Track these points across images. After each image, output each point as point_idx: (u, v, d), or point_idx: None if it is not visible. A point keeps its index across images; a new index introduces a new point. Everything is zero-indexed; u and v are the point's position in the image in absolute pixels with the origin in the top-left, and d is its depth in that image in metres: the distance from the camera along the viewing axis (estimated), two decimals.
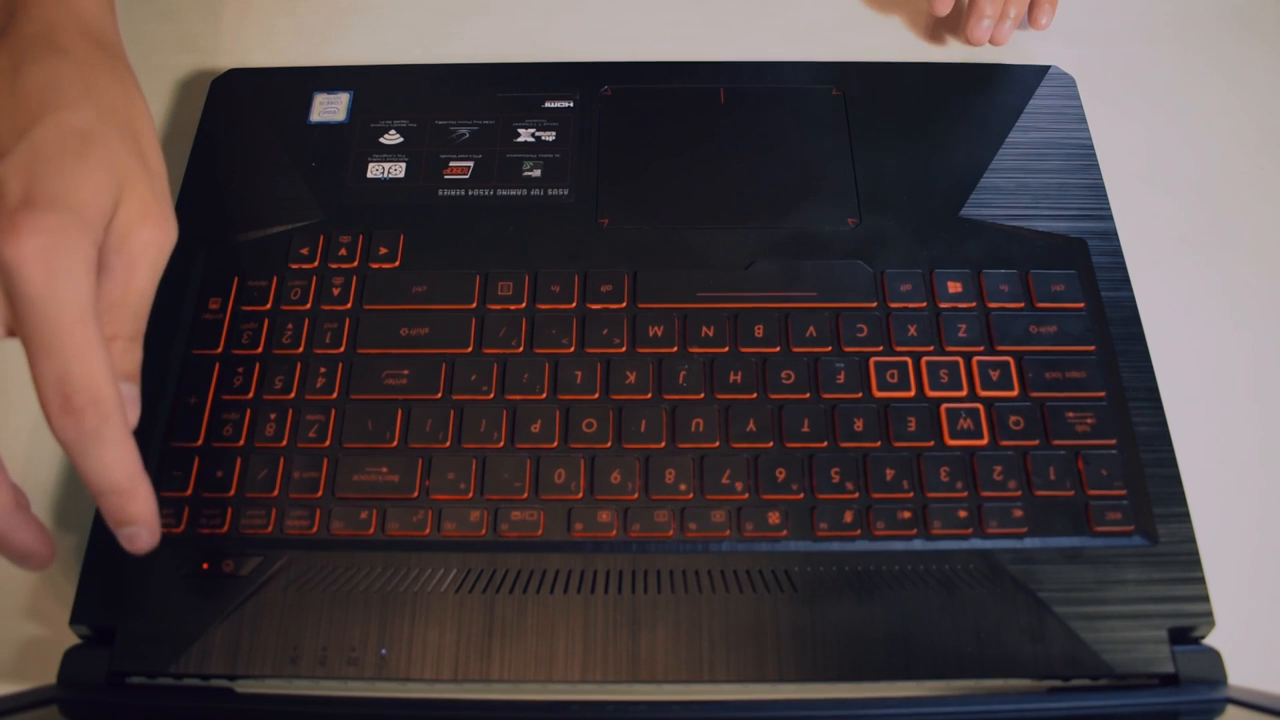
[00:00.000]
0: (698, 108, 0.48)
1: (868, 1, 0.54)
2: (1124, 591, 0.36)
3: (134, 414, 0.32)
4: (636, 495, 0.38)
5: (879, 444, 0.39)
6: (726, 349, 0.41)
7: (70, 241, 0.29)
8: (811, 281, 0.43)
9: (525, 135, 0.47)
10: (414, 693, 0.37)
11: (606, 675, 0.35)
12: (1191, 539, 0.37)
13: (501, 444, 0.39)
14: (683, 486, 0.38)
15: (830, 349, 0.41)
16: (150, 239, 0.32)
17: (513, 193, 0.45)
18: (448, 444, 0.39)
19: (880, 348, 0.41)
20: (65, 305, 0.29)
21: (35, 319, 0.29)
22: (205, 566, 0.37)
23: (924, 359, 0.41)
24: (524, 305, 0.42)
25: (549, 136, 0.47)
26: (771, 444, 0.39)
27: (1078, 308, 0.42)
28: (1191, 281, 0.46)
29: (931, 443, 0.39)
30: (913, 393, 0.40)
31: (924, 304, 0.42)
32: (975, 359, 0.41)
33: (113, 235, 0.31)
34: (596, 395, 0.40)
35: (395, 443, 0.39)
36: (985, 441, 0.39)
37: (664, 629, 0.36)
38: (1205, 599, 0.36)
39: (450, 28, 0.54)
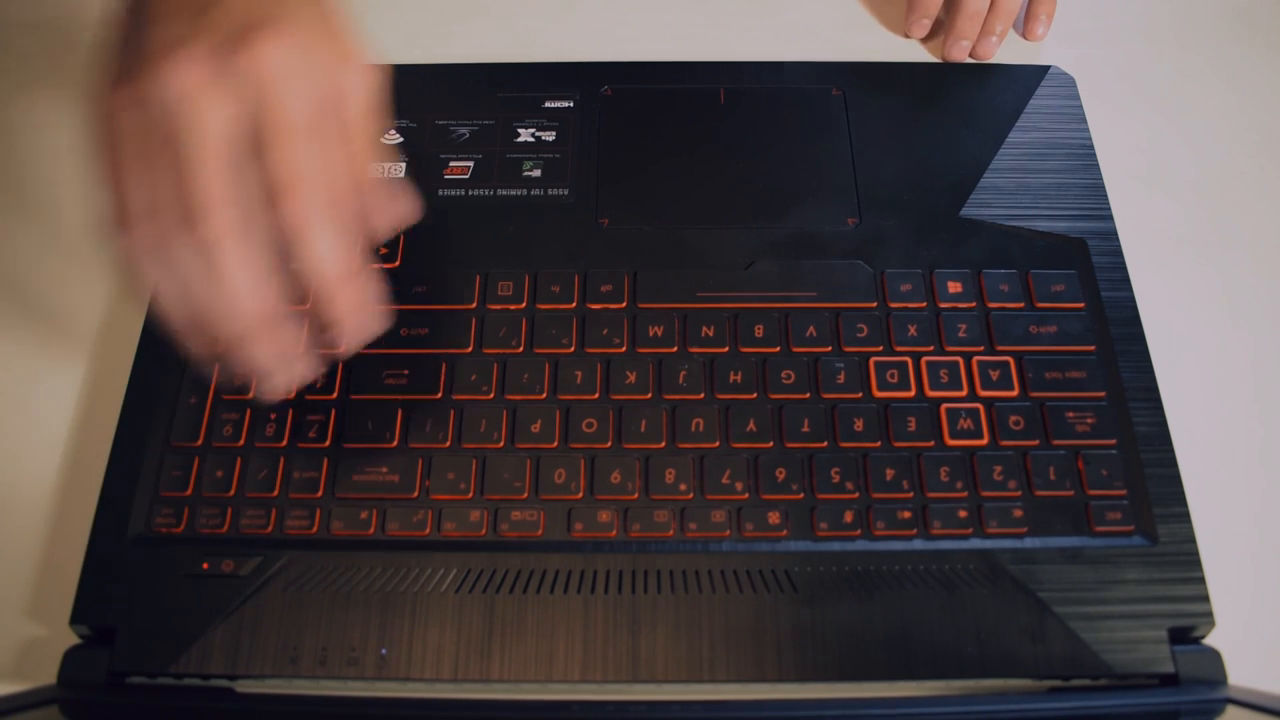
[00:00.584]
0: (698, 108, 0.48)
1: (867, 1, 0.54)
2: (1124, 591, 0.36)
3: (396, 213, 0.34)
4: (636, 495, 0.38)
5: (879, 444, 0.39)
6: (726, 349, 0.41)
7: (301, 50, 0.30)
8: (811, 281, 0.43)
9: (525, 135, 0.47)
10: (414, 693, 0.37)
11: (606, 675, 0.36)
12: (1191, 539, 0.37)
13: (501, 444, 0.39)
14: (683, 486, 0.38)
15: (830, 349, 0.41)
16: (356, 70, 0.33)
17: (513, 193, 0.45)
18: (448, 444, 0.39)
19: (880, 348, 0.41)
20: (298, 110, 0.30)
21: (271, 117, 0.30)
22: (205, 566, 0.37)
23: (924, 359, 0.41)
24: (524, 305, 0.42)
25: (549, 136, 0.47)
26: (771, 444, 0.39)
27: (1078, 308, 0.42)
28: (1191, 281, 0.46)
29: (931, 443, 0.39)
30: (913, 393, 0.40)
31: (924, 304, 0.42)
32: (975, 359, 0.41)
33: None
34: (596, 395, 0.40)
35: (395, 443, 0.39)
36: (985, 441, 0.39)
37: (664, 629, 0.36)
38: (1205, 599, 0.36)
39: (450, 28, 0.53)
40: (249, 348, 0.32)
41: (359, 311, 0.33)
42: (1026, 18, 0.53)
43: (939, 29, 0.52)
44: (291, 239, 0.31)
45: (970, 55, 0.51)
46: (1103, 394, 0.40)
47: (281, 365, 0.32)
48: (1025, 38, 0.52)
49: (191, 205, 0.29)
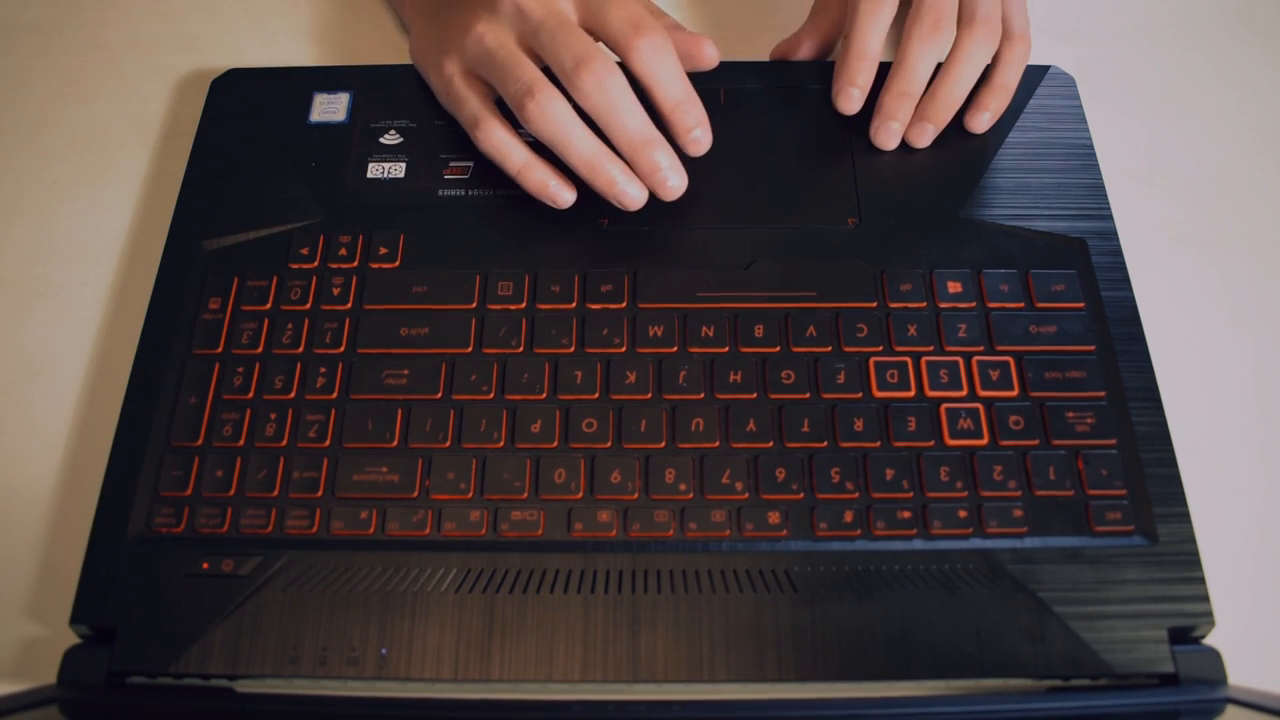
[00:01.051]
0: None
1: None
2: (1124, 591, 0.37)
3: (704, 52, 0.44)
4: (636, 495, 0.38)
5: (879, 444, 0.39)
6: (726, 349, 0.41)
7: None
8: (811, 281, 0.43)
9: (525, 135, 0.47)
10: (414, 693, 0.37)
11: (606, 675, 0.35)
12: (1191, 539, 0.37)
13: (501, 444, 0.39)
14: (683, 486, 0.38)
15: (830, 349, 0.41)
16: None
17: (513, 193, 0.45)
18: (448, 444, 0.39)
19: (880, 348, 0.41)
20: None
21: None
22: (205, 566, 0.37)
23: (924, 359, 0.41)
24: (524, 305, 0.42)
25: None
26: (771, 444, 0.39)
27: (1078, 308, 0.42)
28: (1191, 281, 0.46)
29: (931, 443, 0.39)
30: (913, 393, 0.40)
31: (924, 304, 0.42)
32: (975, 359, 0.41)
33: None
34: (596, 395, 0.40)
35: (395, 443, 0.39)
36: (985, 441, 0.39)
37: (664, 629, 0.36)
38: (1205, 599, 0.36)
39: None
40: (590, 174, 0.42)
41: (703, 125, 0.43)
42: (971, 105, 0.46)
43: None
44: (644, 70, 0.41)
45: (906, 141, 0.46)
46: (1103, 394, 0.40)
47: (631, 179, 0.42)
48: (966, 127, 0.47)
49: (525, 81, 0.41)
